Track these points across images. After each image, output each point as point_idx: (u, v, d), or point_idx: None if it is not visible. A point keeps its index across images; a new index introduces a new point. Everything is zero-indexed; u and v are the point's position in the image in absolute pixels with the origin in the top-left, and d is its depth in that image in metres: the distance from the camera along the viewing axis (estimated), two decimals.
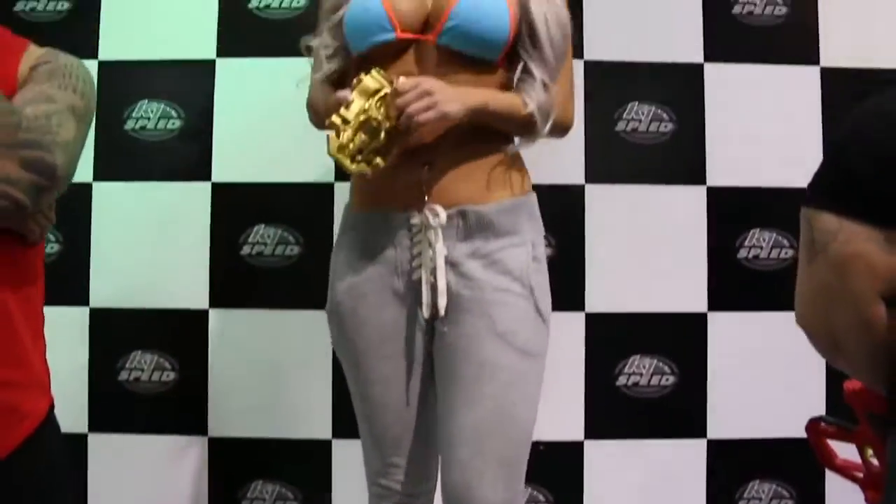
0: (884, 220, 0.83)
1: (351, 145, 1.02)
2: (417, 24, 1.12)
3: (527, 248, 1.13)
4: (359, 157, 1.03)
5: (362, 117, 1.02)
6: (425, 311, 1.10)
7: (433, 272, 1.08)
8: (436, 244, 1.08)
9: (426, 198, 1.09)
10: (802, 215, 0.90)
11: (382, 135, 1.03)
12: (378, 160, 1.04)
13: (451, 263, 1.09)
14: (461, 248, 1.10)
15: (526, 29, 1.11)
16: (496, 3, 1.10)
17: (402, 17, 1.10)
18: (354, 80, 1.05)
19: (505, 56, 1.13)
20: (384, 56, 1.12)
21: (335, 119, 1.02)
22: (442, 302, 1.08)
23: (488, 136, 1.14)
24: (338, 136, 1.02)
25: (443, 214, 1.08)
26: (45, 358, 1.01)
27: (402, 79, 1.04)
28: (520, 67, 1.12)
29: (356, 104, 1.03)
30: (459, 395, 1.09)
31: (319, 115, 1.16)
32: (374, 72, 1.05)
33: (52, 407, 0.98)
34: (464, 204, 1.10)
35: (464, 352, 1.09)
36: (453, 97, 1.05)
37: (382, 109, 1.03)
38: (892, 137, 0.86)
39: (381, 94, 1.04)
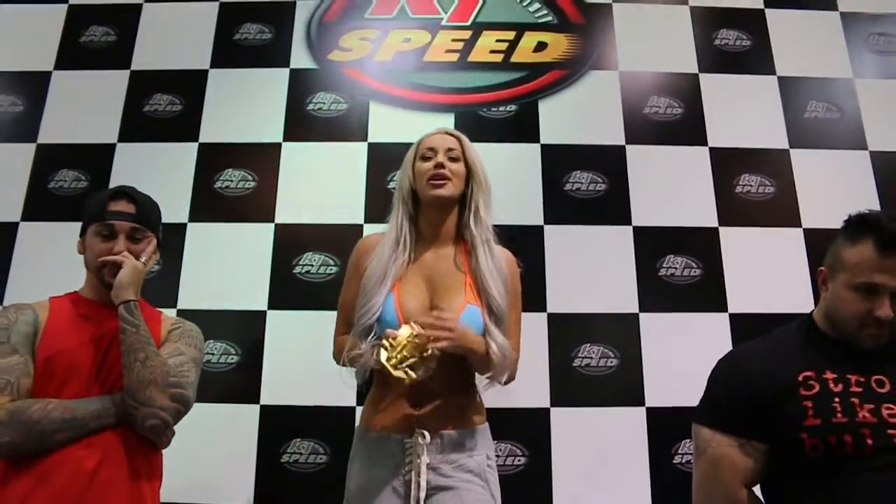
0: (738, 432, 1.25)
1: (393, 360, 1.49)
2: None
3: (483, 457, 1.61)
4: (399, 366, 1.48)
5: (405, 342, 1.49)
6: (412, 501, 1.53)
7: (418, 474, 1.55)
8: (421, 456, 1.55)
9: (416, 427, 1.57)
10: (692, 429, 1.30)
11: (415, 357, 1.49)
12: (412, 373, 1.49)
13: (432, 468, 1.56)
14: (438, 458, 1.57)
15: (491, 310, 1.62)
16: (476, 320, 1.61)
17: (410, 317, 1.60)
18: (402, 326, 1.52)
19: None
20: None
21: (385, 341, 1.49)
22: (421, 495, 1.53)
23: (461, 388, 1.63)
24: (386, 350, 1.49)
25: (428, 438, 1.56)
26: None
27: (435, 312, 1.54)
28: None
29: (401, 336, 1.49)
30: None
31: (354, 360, 1.61)
32: (412, 323, 1.53)
33: None
34: (441, 430, 1.58)
35: None
36: (462, 338, 1.53)
37: (417, 341, 1.50)
38: (736, 377, 1.29)
39: (414, 335, 1.51)
